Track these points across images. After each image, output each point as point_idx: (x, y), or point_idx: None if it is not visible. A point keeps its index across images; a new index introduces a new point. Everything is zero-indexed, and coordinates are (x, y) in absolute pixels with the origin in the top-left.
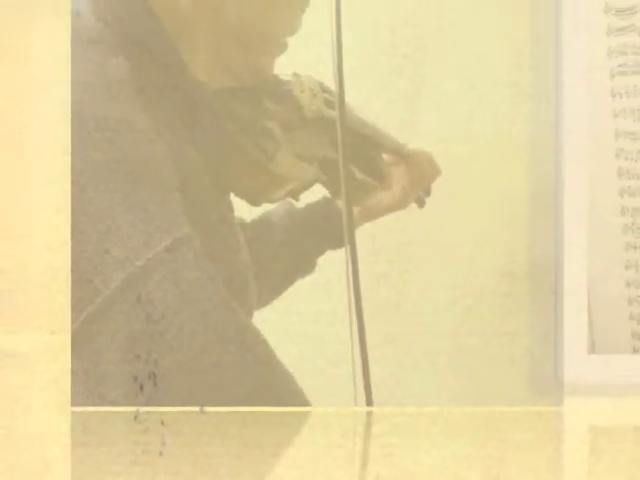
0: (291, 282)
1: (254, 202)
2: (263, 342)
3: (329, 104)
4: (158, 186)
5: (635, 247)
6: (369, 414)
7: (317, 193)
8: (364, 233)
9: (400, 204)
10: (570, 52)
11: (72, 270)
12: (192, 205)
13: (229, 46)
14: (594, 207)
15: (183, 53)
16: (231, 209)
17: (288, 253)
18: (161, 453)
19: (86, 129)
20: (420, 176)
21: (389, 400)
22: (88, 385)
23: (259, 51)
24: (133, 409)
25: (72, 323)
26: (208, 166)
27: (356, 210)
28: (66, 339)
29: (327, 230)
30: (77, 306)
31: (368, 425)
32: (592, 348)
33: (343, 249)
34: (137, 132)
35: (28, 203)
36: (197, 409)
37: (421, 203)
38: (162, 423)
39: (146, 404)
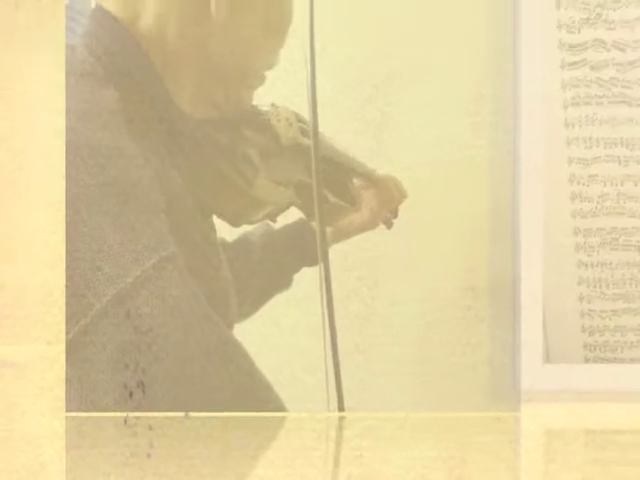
0: (269, 297)
1: (235, 223)
2: (243, 352)
3: (304, 133)
4: (146, 208)
5: (587, 265)
6: (341, 419)
7: (293, 215)
8: (336, 252)
9: (369, 225)
10: (527, 84)
11: (66, 286)
12: (177, 226)
13: (212, 80)
14: (549, 228)
15: (169, 86)
16: (213, 230)
17: (266, 270)
18: (149, 455)
19: (79, 155)
20: (388, 199)
21: (360, 406)
22: (81, 392)
23: (239, 84)
24: (123, 414)
25: (66, 335)
26: (192, 190)
27: (329, 230)
28: (61, 349)
29: (302, 249)
30: (71, 319)
31: (340, 429)
32: (547, 358)
33: (317, 266)
34: (126, 158)
35: (26, 224)
36: (182, 414)
37: (389, 224)
38: (150, 427)
39: (135, 410)
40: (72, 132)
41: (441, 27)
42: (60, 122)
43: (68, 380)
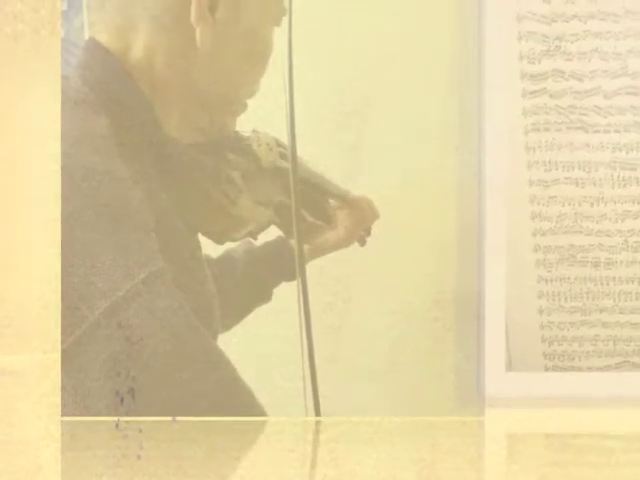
0: (250, 310)
1: (219, 241)
2: (226, 361)
3: (283, 156)
4: (136, 227)
5: (546, 280)
6: (317, 423)
7: (273, 233)
8: (313, 267)
9: (344, 243)
10: (491, 111)
11: (62, 299)
12: (165, 243)
13: (197, 107)
14: (511, 245)
15: (157, 113)
16: (199, 247)
17: (248, 285)
18: (139, 457)
19: (74, 178)
20: (361, 218)
21: (335, 411)
22: (76, 398)
23: (223, 111)
24: (114, 419)
25: (62, 344)
26: (179, 209)
27: (306, 248)
28: (57, 358)
29: (281, 265)
30: (66, 330)
31: (317, 433)
32: (509, 366)
33: (295, 281)
34: (118, 180)
35: (24, 242)
36: (170, 419)
37: (362, 242)
38: (140, 431)
39: (126, 414)
40: (67, 156)
41: (411, 58)
42: (56, 147)
43: (63, 387)
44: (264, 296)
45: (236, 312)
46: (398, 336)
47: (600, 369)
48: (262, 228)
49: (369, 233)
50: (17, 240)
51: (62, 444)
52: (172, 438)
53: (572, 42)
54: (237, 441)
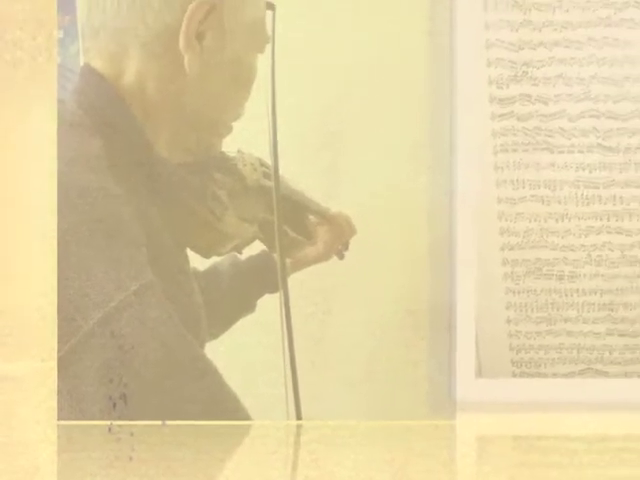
0: (235, 320)
1: (205, 255)
2: (213, 368)
3: (266, 176)
4: (127, 242)
5: (514, 292)
6: (299, 427)
7: (257, 248)
8: (295, 280)
9: (324, 257)
10: (462, 133)
11: (58, 310)
12: (155, 257)
13: (186, 129)
14: (481, 259)
15: (148, 134)
16: (187, 261)
17: (233, 296)
18: (130, 458)
19: (69, 195)
20: (340, 234)
21: (315, 415)
22: (71, 403)
23: (210, 133)
24: (107, 423)
25: (58, 352)
26: (168, 226)
27: (288, 261)
28: (53, 365)
29: (265, 278)
30: (62, 339)
31: (298, 436)
32: (479, 373)
33: (278, 293)
34: (110, 198)
35: (22, 256)
36: (160, 423)
37: (341, 256)
38: (131, 434)
39: (118, 419)
40: (63, 175)
41: (387, 84)
42: (52, 166)
43: (59, 392)
44: (248, 307)
45: (222, 322)
46: (374, 345)
47: (564, 375)
48: (247, 243)
49: (347, 248)
50: (16, 255)
51: (58, 446)
52: (162, 441)
53: (538, 68)
54: (223, 444)
